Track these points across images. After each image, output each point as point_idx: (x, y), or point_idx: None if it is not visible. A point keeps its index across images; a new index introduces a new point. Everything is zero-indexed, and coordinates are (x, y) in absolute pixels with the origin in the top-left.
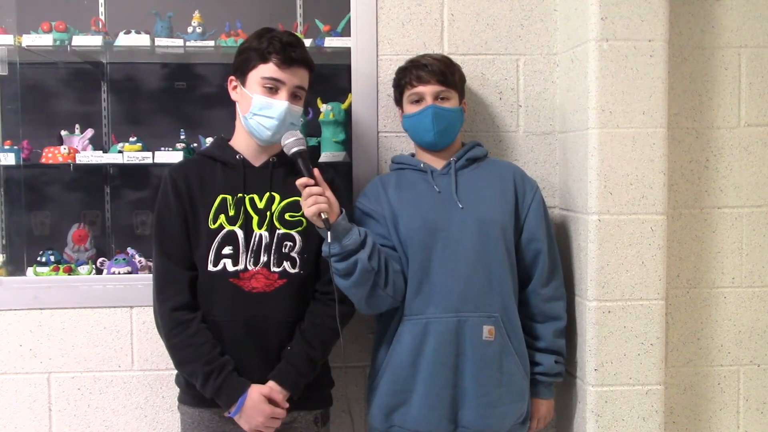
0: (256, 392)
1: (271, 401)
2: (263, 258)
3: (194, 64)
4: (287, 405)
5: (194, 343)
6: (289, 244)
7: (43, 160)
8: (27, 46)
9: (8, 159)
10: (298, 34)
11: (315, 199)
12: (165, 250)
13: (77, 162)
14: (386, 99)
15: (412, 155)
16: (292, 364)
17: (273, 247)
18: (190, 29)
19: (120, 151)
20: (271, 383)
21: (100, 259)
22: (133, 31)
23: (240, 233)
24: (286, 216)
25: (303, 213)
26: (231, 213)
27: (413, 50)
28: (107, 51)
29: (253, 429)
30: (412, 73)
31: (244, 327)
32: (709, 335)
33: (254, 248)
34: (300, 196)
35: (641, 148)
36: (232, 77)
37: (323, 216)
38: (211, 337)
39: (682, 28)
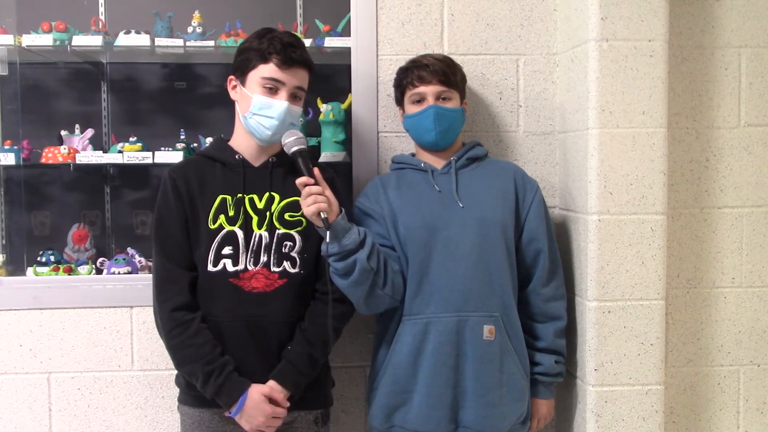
0: (256, 392)
1: (271, 401)
2: (263, 258)
3: (194, 64)
4: (288, 404)
5: (194, 344)
6: (289, 243)
7: (43, 160)
8: (27, 46)
9: (8, 159)
10: (298, 34)
11: (314, 198)
12: (165, 250)
13: (77, 162)
14: (386, 99)
15: (413, 155)
16: (293, 363)
17: (273, 247)
18: (190, 29)
19: (120, 151)
20: (271, 383)
21: (100, 259)
22: (133, 31)
23: (240, 233)
24: (286, 216)
25: (303, 213)
26: (231, 213)
27: (413, 50)
28: (107, 51)
29: (254, 429)
30: (414, 73)
31: (244, 327)
32: (709, 335)
33: (254, 248)
34: (299, 196)
35: (641, 148)
36: (231, 77)
37: (322, 215)
38: (211, 338)
39: (682, 28)
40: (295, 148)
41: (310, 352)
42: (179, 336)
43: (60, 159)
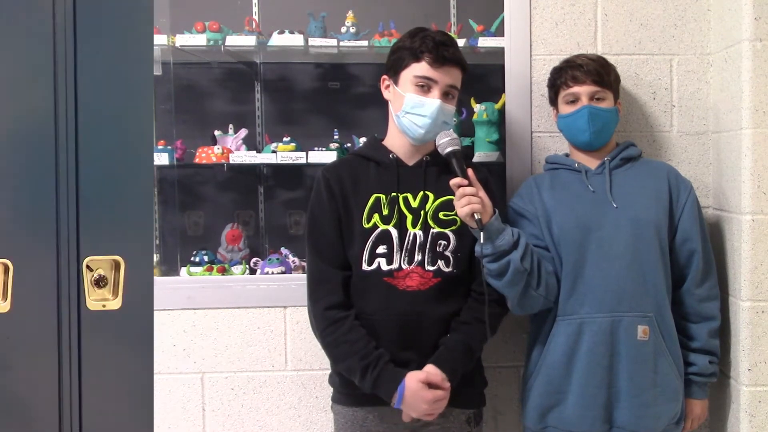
0: (413, 380)
1: (430, 385)
2: (418, 257)
3: (348, 64)
4: (448, 385)
5: (349, 340)
6: (443, 242)
7: (197, 160)
8: (181, 46)
9: (162, 159)
10: (452, 33)
11: (468, 200)
12: (318, 250)
13: (231, 162)
14: (540, 99)
15: (566, 155)
16: (450, 349)
17: (427, 246)
18: (343, 29)
19: (273, 151)
20: (428, 367)
21: (254, 259)
22: (286, 31)
23: (394, 232)
24: (440, 215)
25: (456, 212)
26: (385, 212)
27: (567, 50)
28: (261, 51)
29: (421, 415)
30: (568, 73)
31: (398, 325)
32: None
33: (408, 247)
34: (453, 195)
35: None
36: (384, 76)
37: (476, 216)
38: (365, 333)
39: None
40: (449, 149)
41: (468, 342)
42: (333, 334)
43: (213, 159)
